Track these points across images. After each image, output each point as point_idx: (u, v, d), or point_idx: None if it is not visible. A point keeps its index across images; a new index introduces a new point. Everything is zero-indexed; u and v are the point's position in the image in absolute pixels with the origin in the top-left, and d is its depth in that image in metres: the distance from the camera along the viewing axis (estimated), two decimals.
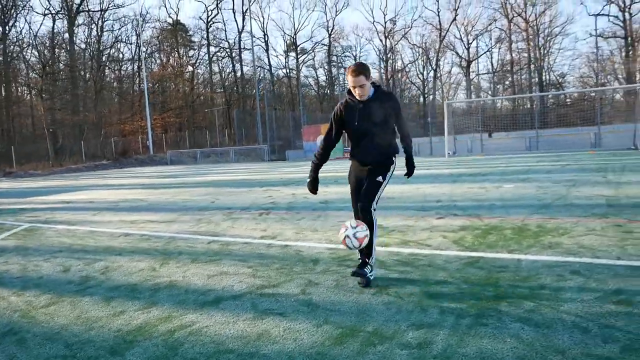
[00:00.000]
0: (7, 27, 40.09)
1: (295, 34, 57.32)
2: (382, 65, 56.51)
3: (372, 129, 3.64)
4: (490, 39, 54.58)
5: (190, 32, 55.78)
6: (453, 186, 9.68)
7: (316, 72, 61.33)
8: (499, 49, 55.63)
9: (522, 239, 4.77)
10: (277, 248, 5.08)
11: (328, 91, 60.63)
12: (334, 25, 56.67)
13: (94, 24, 46.29)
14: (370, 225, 3.60)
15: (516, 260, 4.02)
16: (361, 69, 3.51)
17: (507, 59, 54.09)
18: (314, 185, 3.89)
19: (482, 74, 59.07)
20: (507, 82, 57.02)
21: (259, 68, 57.60)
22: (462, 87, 59.61)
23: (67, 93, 40.80)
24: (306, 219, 6.84)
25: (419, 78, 59.84)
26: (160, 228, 6.79)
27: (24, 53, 43.16)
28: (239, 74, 56.84)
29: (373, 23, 56.98)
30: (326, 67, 59.38)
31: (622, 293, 3.11)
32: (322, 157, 3.88)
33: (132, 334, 2.98)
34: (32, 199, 12.66)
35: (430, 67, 55.80)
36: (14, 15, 40.13)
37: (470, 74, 55.28)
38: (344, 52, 59.36)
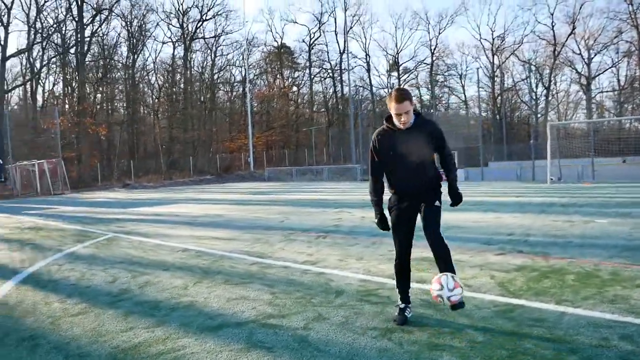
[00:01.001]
0: (136, 56, 45.53)
1: (397, 54, 57.17)
2: (489, 84, 53.91)
3: (414, 159, 3.36)
4: (617, 53, 49.20)
5: (295, 55, 58.49)
6: (536, 217, 8.74)
7: (419, 92, 60.26)
8: (628, 63, 49.94)
9: (582, 287, 4.10)
10: (311, 275, 4.95)
11: (432, 110, 59.26)
12: (437, 44, 55.38)
13: (208, 49, 50.60)
14: (447, 247, 3.32)
15: (559, 314, 3.45)
16: (405, 95, 3.28)
17: (637, 74, 48.34)
18: (384, 224, 3.54)
19: (606, 91, 53.44)
20: (637, 100, 50.85)
21: (360, 88, 58.46)
22: (582, 107, 54.51)
23: (181, 113, 44.87)
24: (359, 245, 6.62)
25: (532, 97, 55.88)
26: (218, 245, 7.03)
27: (149, 77, 48.59)
28: (339, 94, 58.05)
29: (480, 40, 54.60)
30: (429, 87, 58.07)
31: None
32: (379, 192, 3.57)
33: (125, 352, 3.06)
34: (130, 210, 14.00)
35: (543, 86, 51.87)
36: (142, 45, 45.46)
37: (592, 92, 50.26)
38: (448, 70, 57.67)
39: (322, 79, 59.57)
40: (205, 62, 51.51)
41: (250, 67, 52.54)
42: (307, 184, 28.81)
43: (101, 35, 42.95)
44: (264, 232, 8.26)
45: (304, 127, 53.46)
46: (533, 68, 51.58)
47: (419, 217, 3.47)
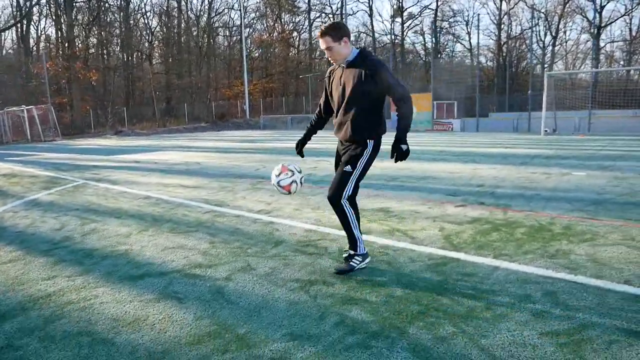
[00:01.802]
0: None
1: None
2: (495, 31, 51.97)
3: (347, 99, 3.17)
4: (632, 0, 46.79)
5: None
6: (515, 169, 8.54)
7: (424, 38, 58.20)
8: None
9: (529, 241, 3.96)
10: (260, 224, 4.84)
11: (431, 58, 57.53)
12: None
13: None
14: (344, 215, 3.26)
15: (493, 268, 3.32)
16: (328, 30, 3.07)
17: None
18: (298, 145, 3.64)
19: (616, 41, 51.49)
20: None
21: (363, 34, 56.61)
22: (591, 57, 52.70)
23: (176, 58, 43.76)
24: (322, 194, 6.47)
25: (539, 46, 53.92)
26: (181, 193, 6.91)
27: (144, 20, 47.09)
28: None
29: None
30: (430, 34, 56.06)
31: (581, 332, 2.37)
32: (317, 122, 3.61)
33: (35, 301, 2.98)
34: (112, 157, 13.85)
35: (550, 34, 49.94)
36: None
37: (602, 41, 48.32)
38: (454, 16, 55.41)
39: (323, 23, 57.59)
40: (202, 5, 49.78)
41: (249, 10, 50.74)
42: (300, 133, 28.41)
43: None
44: (233, 180, 8.12)
45: (303, 75, 52.22)
46: (541, 15, 49.48)
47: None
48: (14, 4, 42.29)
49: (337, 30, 3.08)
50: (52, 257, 3.94)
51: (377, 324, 2.52)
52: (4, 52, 46.31)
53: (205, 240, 4.30)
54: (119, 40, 44.51)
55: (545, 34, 51.21)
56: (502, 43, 51.82)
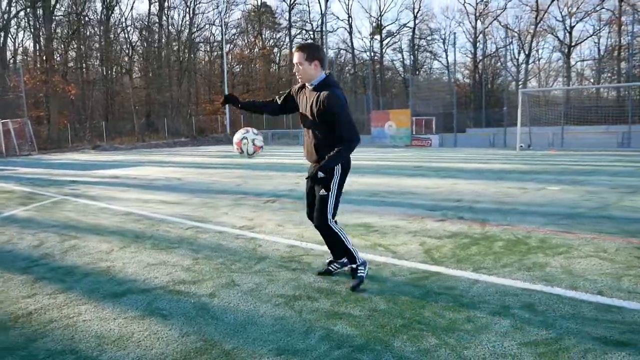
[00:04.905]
0: (110, 11, 43.64)
1: (380, 16, 56.00)
2: (471, 49, 53.36)
3: (311, 122, 3.29)
4: (599, 21, 48.90)
5: (277, 15, 56.84)
6: (492, 184, 8.75)
7: (403, 56, 59.42)
8: (608, 32, 49.77)
9: (507, 254, 4.08)
10: (242, 240, 4.85)
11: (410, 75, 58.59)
12: (420, 7, 54.34)
13: (186, 7, 48.78)
14: (336, 236, 3.41)
15: (472, 281, 3.41)
16: (303, 47, 3.23)
17: (616, 43, 48.29)
18: (226, 97, 3.61)
19: (586, 60, 53.42)
20: (615, 69, 51.00)
21: (343, 51, 57.47)
22: (563, 75, 54.46)
23: (156, 72, 43.54)
24: (305, 210, 6.51)
25: (514, 64, 55.55)
26: (162, 209, 6.86)
27: (125, 34, 46.84)
28: None
29: (464, 4, 53.72)
30: (408, 51, 57.30)
31: (558, 341, 2.46)
32: (262, 103, 3.79)
33: (16, 320, 2.94)
34: (90, 172, 13.64)
35: (524, 53, 51.59)
36: (116, 1, 43.47)
37: (573, 60, 50.14)
38: (431, 35, 56.82)
39: (304, 40, 58.26)
40: (183, 20, 49.88)
41: (230, 26, 51.04)
42: (279, 148, 28.56)
43: None
44: (214, 195, 8.10)
45: (284, 90, 52.43)
46: (514, 34, 51.12)
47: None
48: None
49: (312, 51, 3.21)
50: (31, 274, 3.88)
51: (362, 337, 2.56)
52: None
53: (188, 256, 4.29)
54: (98, 54, 44.05)
55: (519, 52, 52.92)
56: (477, 61, 53.25)
